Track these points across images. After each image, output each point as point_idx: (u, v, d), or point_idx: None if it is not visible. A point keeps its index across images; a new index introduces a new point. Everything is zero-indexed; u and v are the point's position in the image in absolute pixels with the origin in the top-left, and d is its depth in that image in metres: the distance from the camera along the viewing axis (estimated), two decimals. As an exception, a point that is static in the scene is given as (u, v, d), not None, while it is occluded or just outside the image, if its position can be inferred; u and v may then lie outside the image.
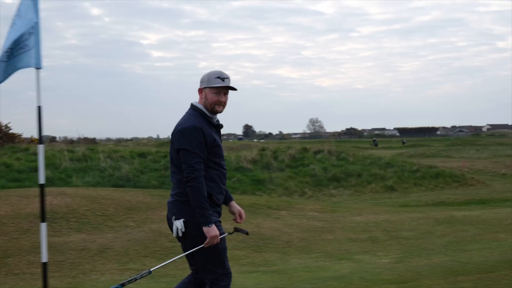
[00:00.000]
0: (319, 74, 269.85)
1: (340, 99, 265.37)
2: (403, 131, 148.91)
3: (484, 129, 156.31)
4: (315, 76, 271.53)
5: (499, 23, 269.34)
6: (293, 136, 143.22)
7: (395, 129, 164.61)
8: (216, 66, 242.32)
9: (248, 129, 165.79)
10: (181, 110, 4.24)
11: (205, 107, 4.08)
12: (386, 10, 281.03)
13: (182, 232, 3.90)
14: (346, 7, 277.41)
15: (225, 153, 4.46)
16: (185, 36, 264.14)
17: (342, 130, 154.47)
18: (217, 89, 4.05)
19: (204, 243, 3.87)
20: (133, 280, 4.08)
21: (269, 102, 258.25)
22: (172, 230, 4.00)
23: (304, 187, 23.63)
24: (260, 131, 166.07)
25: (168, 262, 4.47)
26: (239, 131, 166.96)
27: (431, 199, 20.97)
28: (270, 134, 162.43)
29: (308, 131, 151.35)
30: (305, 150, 28.86)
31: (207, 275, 4.02)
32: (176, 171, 4.02)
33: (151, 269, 4.15)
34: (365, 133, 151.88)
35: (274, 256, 8.73)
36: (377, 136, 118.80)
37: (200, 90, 4.14)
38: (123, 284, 4.08)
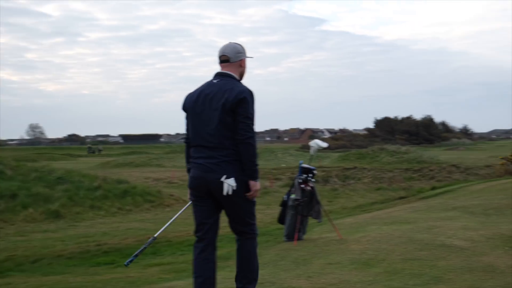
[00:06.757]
0: (44, 78, 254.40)
1: (66, 104, 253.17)
2: (127, 138, 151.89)
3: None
4: (40, 80, 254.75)
5: (222, 36, 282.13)
6: (10, 142, 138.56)
7: (119, 135, 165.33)
8: None
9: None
10: None
11: (240, 75, 4.61)
12: (114, 17, 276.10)
13: (233, 190, 4.23)
14: (73, 10, 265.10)
15: None
16: None
17: (64, 137, 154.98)
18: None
19: (250, 194, 4.35)
20: (142, 250, 4.66)
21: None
22: (211, 189, 4.29)
23: None
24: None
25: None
26: None
27: (104, 231, 14.59)
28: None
29: (27, 137, 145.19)
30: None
31: (244, 227, 4.51)
32: (226, 133, 4.29)
33: (155, 235, 4.88)
34: (88, 140, 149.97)
35: None
36: (101, 143, 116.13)
37: (242, 60, 4.61)
38: (132, 260, 4.59)
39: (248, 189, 4.35)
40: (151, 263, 8.17)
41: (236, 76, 4.54)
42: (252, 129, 4.29)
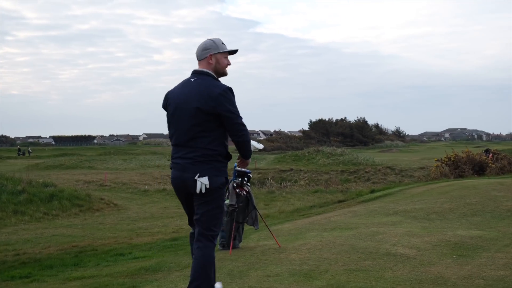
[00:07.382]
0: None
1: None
2: (59, 139, 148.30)
3: (141, 138, 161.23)
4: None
5: (155, 37, 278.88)
6: None
7: (51, 137, 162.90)
8: None
9: None
10: None
11: (215, 72, 4.54)
12: (43, 16, 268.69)
13: (206, 188, 4.30)
14: (0, 9, 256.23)
15: None
16: None
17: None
18: (226, 54, 4.61)
19: (243, 164, 4.75)
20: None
21: None
22: (188, 187, 4.38)
23: None
24: None
25: None
26: None
27: (27, 238, 13.55)
28: None
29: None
30: None
31: (207, 231, 4.44)
32: (201, 133, 4.36)
33: None
34: (18, 141, 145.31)
35: None
36: (31, 144, 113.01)
37: (210, 57, 4.53)
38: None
39: (220, 189, 4.44)
40: (71, 276, 7.30)
41: (211, 72, 4.52)
42: (244, 125, 4.40)
